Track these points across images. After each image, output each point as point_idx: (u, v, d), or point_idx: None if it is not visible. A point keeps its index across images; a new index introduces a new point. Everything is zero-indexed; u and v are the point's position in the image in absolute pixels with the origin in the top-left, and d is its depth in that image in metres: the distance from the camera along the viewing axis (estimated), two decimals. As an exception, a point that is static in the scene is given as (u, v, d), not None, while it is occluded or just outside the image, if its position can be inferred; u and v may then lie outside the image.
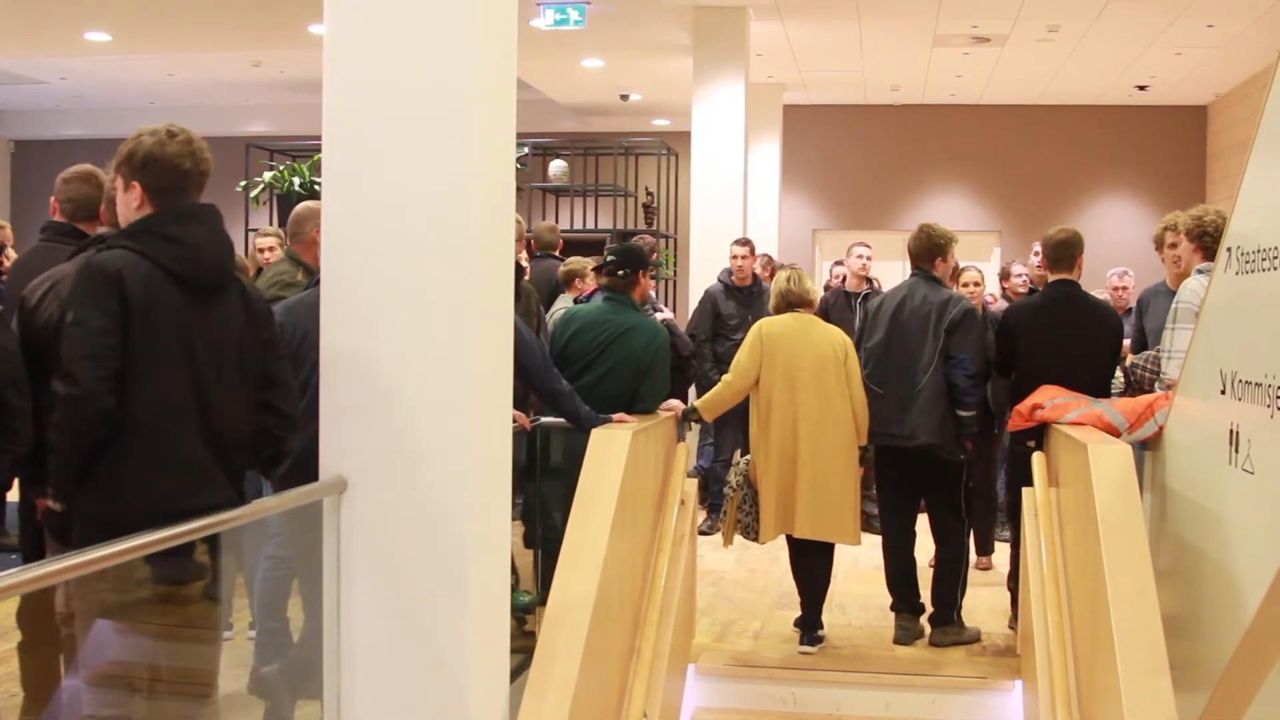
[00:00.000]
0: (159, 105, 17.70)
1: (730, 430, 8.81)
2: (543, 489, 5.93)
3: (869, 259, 9.39)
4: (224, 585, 3.68)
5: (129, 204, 3.52)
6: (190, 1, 11.12)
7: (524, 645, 4.71)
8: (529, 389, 5.55)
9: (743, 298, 9.06)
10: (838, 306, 9.05)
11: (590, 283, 7.82)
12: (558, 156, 14.09)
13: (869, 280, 9.50)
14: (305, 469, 3.69)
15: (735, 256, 9.07)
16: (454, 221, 3.56)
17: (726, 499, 6.19)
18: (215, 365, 3.49)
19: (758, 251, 9.61)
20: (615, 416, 5.41)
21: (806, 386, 6.07)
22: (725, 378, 6.30)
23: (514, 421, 4.41)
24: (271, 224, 10.48)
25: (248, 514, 3.35)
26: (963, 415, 6.19)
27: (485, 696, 3.76)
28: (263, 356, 3.63)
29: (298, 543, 3.87)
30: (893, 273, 11.70)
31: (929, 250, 6.45)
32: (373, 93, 3.60)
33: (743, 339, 8.69)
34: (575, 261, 8.34)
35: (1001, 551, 7.64)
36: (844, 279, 9.61)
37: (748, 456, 6.23)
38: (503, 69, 3.82)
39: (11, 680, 4.53)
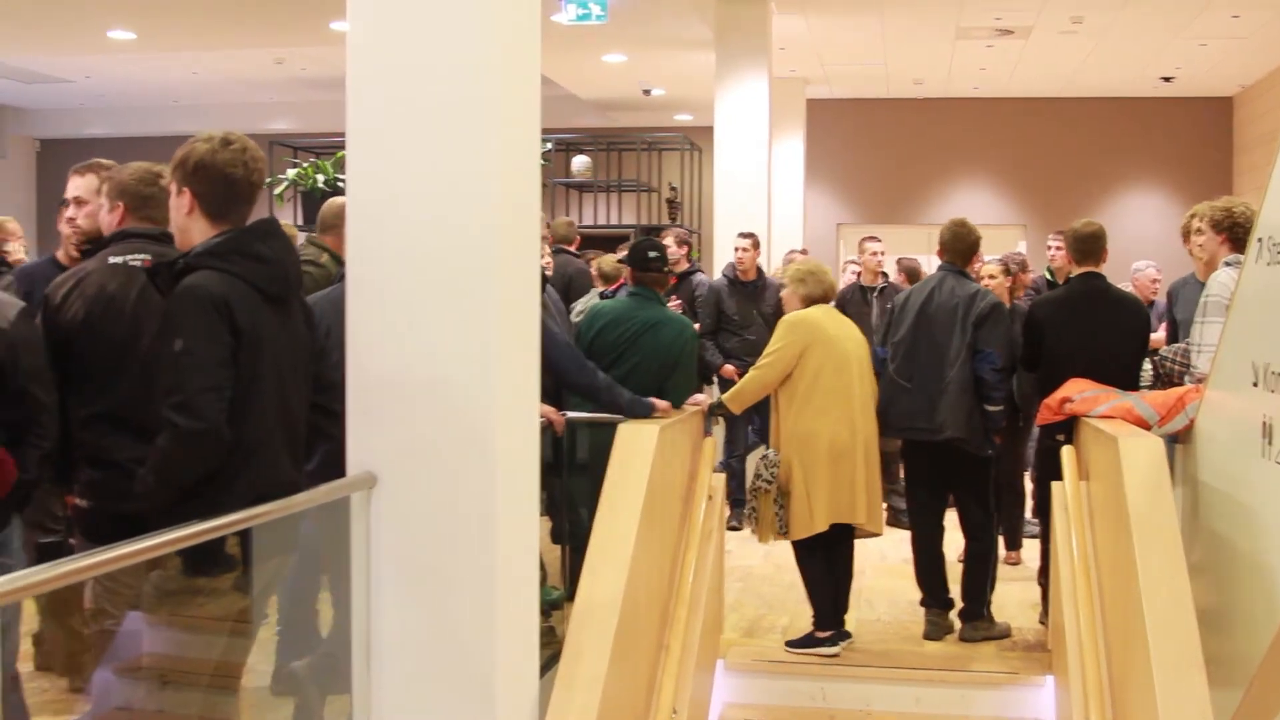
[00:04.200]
0: (182, 103, 17.77)
1: (743, 425, 8.80)
2: (569, 484, 5.92)
3: (882, 253, 9.40)
4: (256, 580, 3.67)
5: (180, 209, 3.53)
6: (213, 0, 11.14)
7: (551, 641, 4.70)
8: (563, 386, 5.51)
9: (747, 292, 9.02)
10: (854, 301, 9.05)
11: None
12: (581, 152, 14.10)
13: (884, 274, 9.50)
14: (333, 465, 3.69)
15: (739, 249, 9.04)
16: (479, 217, 3.54)
17: (758, 494, 6.07)
18: (295, 379, 3.54)
19: (790, 247, 9.62)
20: (655, 401, 5.35)
21: (853, 377, 6.04)
22: (756, 371, 6.19)
23: (544, 418, 4.40)
24: (296, 221, 10.48)
25: (279, 509, 3.34)
26: (990, 410, 6.15)
27: (514, 692, 3.75)
28: (317, 360, 3.67)
29: (326, 538, 3.86)
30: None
31: (969, 246, 6.43)
32: (395, 89, 3.58)
33: (750, 334, 8.77)
34: (608, 263, 8.38)
35: (1029, 547, 7.61)
36: (859, 274, 9.61)
37: (770, 450, 6.14)
38: (527, 64, 3.81)
39: (42, 675, 4.54)
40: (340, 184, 11.61)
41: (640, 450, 4.75)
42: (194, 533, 3.07)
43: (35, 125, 19.22)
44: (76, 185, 4.42)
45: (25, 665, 4.22)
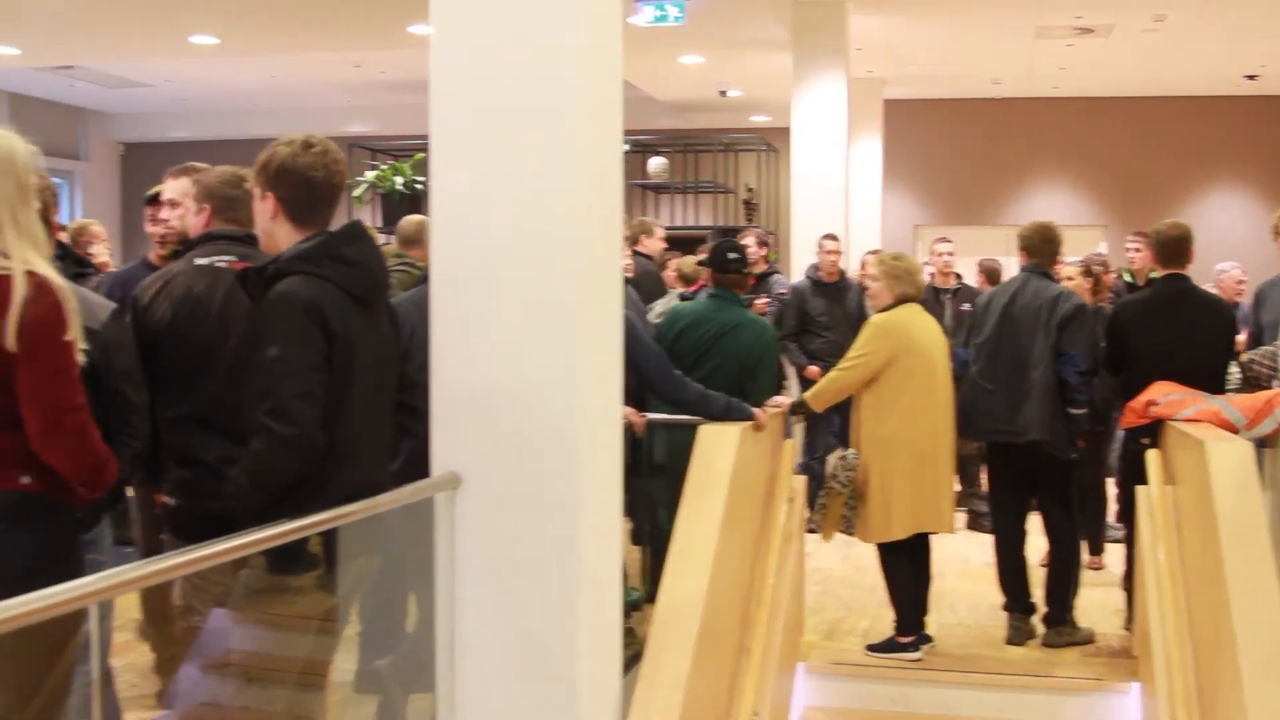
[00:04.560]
0: (262, 107, 17.98)
1: (824, 427, 8.77)
2: (648, 485, 5.91)
3: (950, 254, 9.35)
4: (343, 579, 3.70)
5: (264, 213, 3.57)
6: (294, 4, 11.25)
7: (631, 642, 4.70)
8: (656, 397, 5.47)
9: (830, 293, 9.01)
10: (927, 302, 9.00)
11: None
12: (657, 153, 14.10)
13: (956, 275, 9.46)
14: (417, 462, 3.72)
15: (827, 251, 9.04)
16: (562, 219, 3.55)
17: (830, 494, 6.02)
18: (384, 381, 3.58)
19: (862, 248, 9.59)
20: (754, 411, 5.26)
21: (937, 382, 5.99)
22: (839, 373, 6.11)
23: (624, 419, 4.40)
24: (375, 223, 10.58)
25: (365, 509, 3.36)
26: (1074, 412, 6.08)
27: (597, 692, 3.75)
28: (402, 361, 3.70)
29: (410, 537, 3.88)
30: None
31: (1053, 248, 6.38)
32: (478, 94, 3.60)
33: (833, 335, 8.73)
34: (688, 264, 8.38)
35: (1112, 551, 7.52)
36: (933, 275, 9.58)
37: (849, 451, 6.07)
38: (609, 68, 3.81)
39: (131, 670, 4.60)
40: (418, 186, 11.71)
41: (722, 452, 4.74)
42: (283, 532, 3.10)
43: (118, 129, 19.50)
44: (172, 187, 4.48)
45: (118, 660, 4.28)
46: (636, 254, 8.79)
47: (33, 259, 3.15)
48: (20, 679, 3.26)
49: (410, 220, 6.34)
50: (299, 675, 3.88)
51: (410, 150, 12.21)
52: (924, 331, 6.05)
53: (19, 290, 3.08)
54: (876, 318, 6.13)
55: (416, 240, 5.86)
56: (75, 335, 3.18)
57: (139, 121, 19.29)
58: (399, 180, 11.29)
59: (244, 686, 3.94)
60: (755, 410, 5.24)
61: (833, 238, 9.16)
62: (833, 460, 6.15)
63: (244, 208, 4.14)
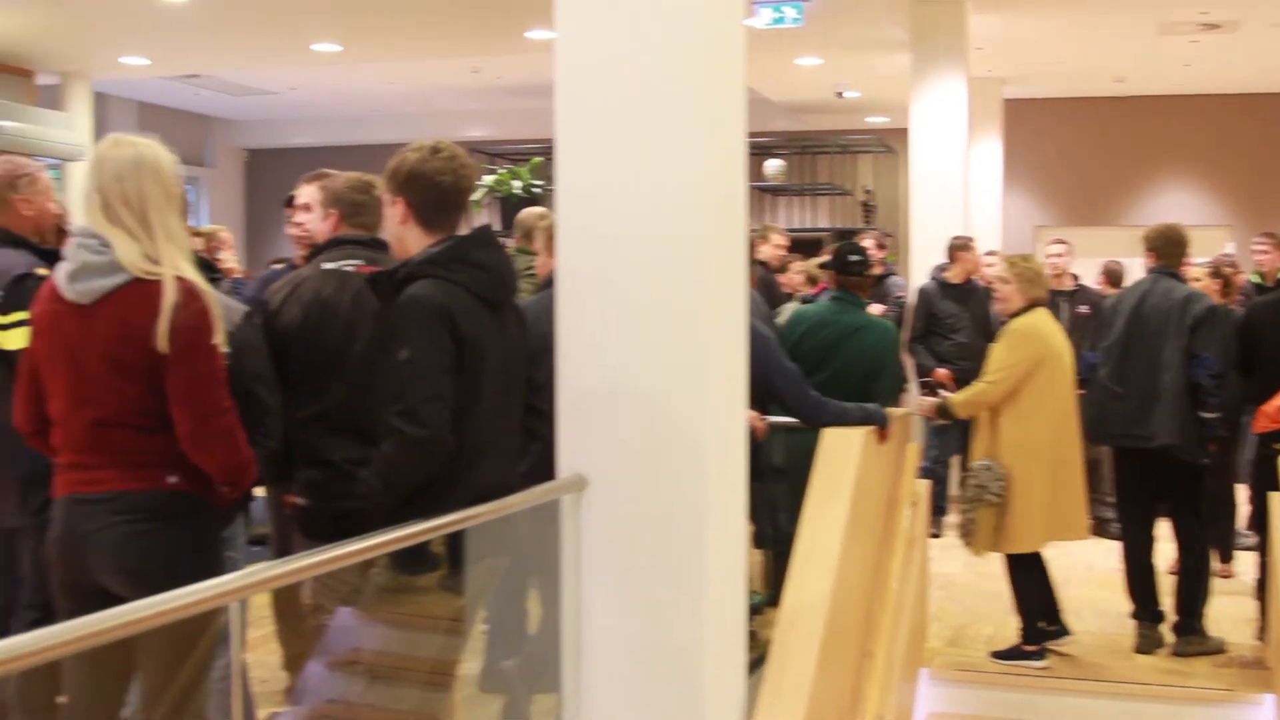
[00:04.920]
0: (382, 113, 18.20)
1: (955, 432, 8.67)
2: (769, 488, 5.89)
3: (1061, 255, 9.23)
4: (471, 580, 3.74)
5: (394, 218, 3.62)
6: (414, 11, 11.38)
7: (753, 645, 4.68)
8: (783, 408, 5.38)
9: (958, 295, 8.92)
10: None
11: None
12: (774, 155, 14.05)
13: (1074, 276, 9.34)
14: (543, 464, 3.74)
15: (961, 252, 8.98)
16: (688, 223, 3.55)
17: (979, 505, 5.89)
18: (512, 384, 3.61)
19: (981, 249, 9.50)
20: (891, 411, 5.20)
21: (1069, 387, 5.90)
22: (987, 385, 5.97)
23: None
24: (494, 226, 10.67)
25: (492, 510, 3.39)
26: (1206, 416, 5.95)
27: (721, 695, 3.74)
28: (529, 363, 3.73)
29: (535, 538, 3.91)
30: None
31: (1181, 248, 6.26)
32: (603, 98, 3.61)
33: (961, 337, 8.65)
34: (813, 267, 8.36)
35: (1242, 559, 7.35)
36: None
37: (987, 460, 5.95)
38: (732, 70, 3.80)
39: (261, 667, 4.69)
40: (536, 190, 11.79)
41: (846, 455, 4.71)
42: (415, 533, 3.14)
43: (243, 136, 19.87)
44: (304, 192, 4.57)
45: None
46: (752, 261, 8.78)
47: (181, 264, 3.25)
48: (163, 671, 3.35)
49: (529, 212, 6.36)
50: (425, 674, 3.93)
51: (528, 154, 12.31)
52: (1056, 335, 5.97)
53: (169, 295, 3.17)
54: (1018, 325, 6.02)
55: (533, 231, 5.87)
56: (221, 339, 3.26)
57: (263, 128, 19.65)
58: (517, 184, 11.39)
59: (369, 684, 3.99)
60: (894, 411, 5.20)
61: (968, 239, 9.14)
62: (978, 470, 5.96)
63: (371, 213, 4.21)
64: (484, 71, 15.01)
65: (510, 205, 11.17)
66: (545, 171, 13.85)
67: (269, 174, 19.78)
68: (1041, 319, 5.96)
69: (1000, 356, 5.98)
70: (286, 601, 4.44)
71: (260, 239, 19.35)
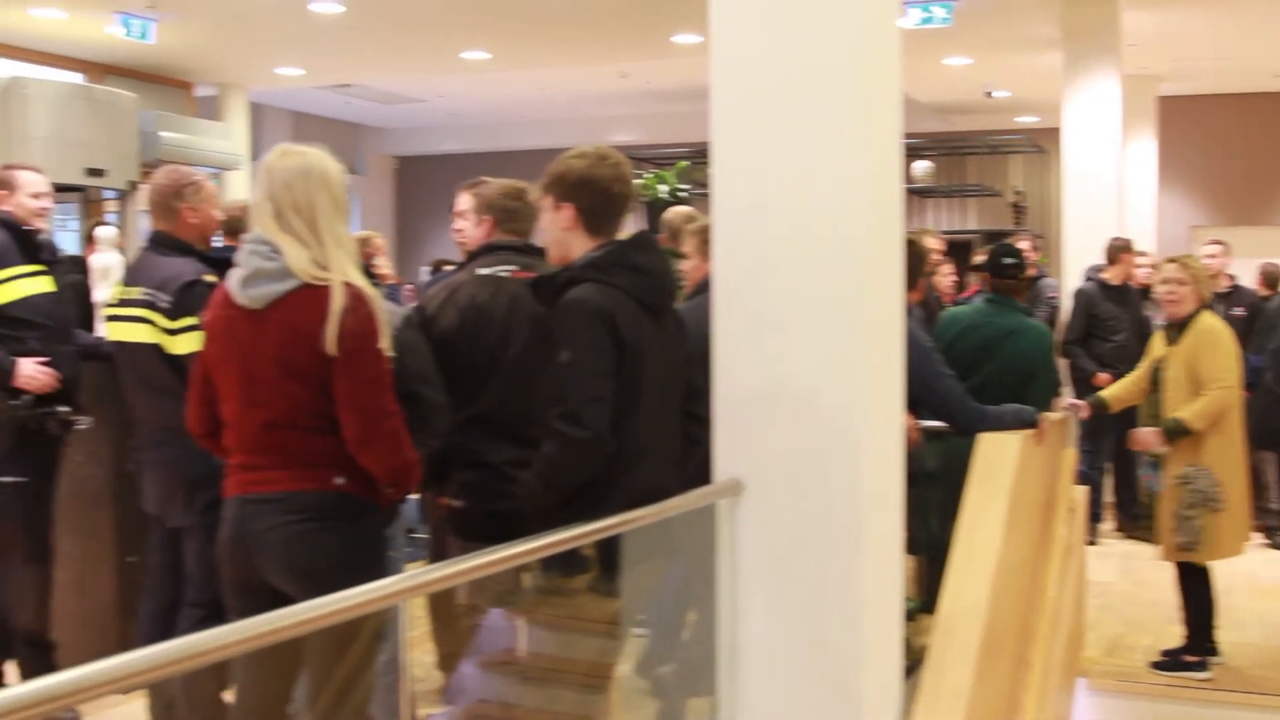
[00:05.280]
0: (529, 119, 18.40)
1: (1110, 437, 8.52)
2: (922, 493, 5.83)
3: (1216, 255, 9.04)
4: (630, 583, 3.76)
5: (559, 223, 3.64)
6: (563, 18, 11.49)
7: (905, 652, 4.64)
8: (937, 414, 5.31)
9: (1118, 297, 8.77)
10: None
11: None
12: (921, 157, 13.91)
13: (1230, 276, 9.12)
14: (700, 470, 3.75)
15: (1125, 255, 8.86)
16: (844, 225, 3.53)
17: (1204, 511, 5.70)
18: (671, 387, 3.63)
19: (1138, 249, 9.33)
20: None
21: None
22: (1223, 391, 5.76)
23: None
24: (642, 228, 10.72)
25: (650, 514, 3.41)
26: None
27: (878, 701, 3.72)
28: (687, 367, 3.74)
29: (690, 542, 3.92)
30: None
31: None
32: (757, 100, 3.60)
33: (1121, 339, 8.47)
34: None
35: None
36: None
37: (1197, 467, 5.77)
38: (887, 71, 3.78)
39: (415, 666, 4.76)
40: (681, 194, 11.80)
41: (1002, 461, 4.65)
42: (576, 535, 3.17)
43: (393, 144, 20.22)
44: (463, 200, 4.65)
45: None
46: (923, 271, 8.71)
47: (349, 270, 3.33)
48: (330, 668, 3.42)
49: (676, 213, 6.36)
50: (577, 676, 3.95)
51: (674, 158, 12.33)
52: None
53: (337, 300, 3.25)
54: (1212, 326, 5.89)
55: (681, 233, 5.87)
56: (386, 343, 3.33)
57: (412, 136, 19.97)
58: (663, 188, 11.39)
59: (522, 685, 4.03)
60: (1048, 416, 5.12)
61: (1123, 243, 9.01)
62: (1193, 476, 5.75)
63: (523, 219, 4.26)
64: (631, 76, 15.09)
65: (656, 209, 11.17)
66: (691, 176, 13.87)
67: (418, 181, 20.12)
68: (1220, 320, 5.84)
69: (1221, 361, 5.82)
70: (441, 601, 4.51)
71: (410, 245, 19.68)
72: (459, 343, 4.05)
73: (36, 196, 5.24)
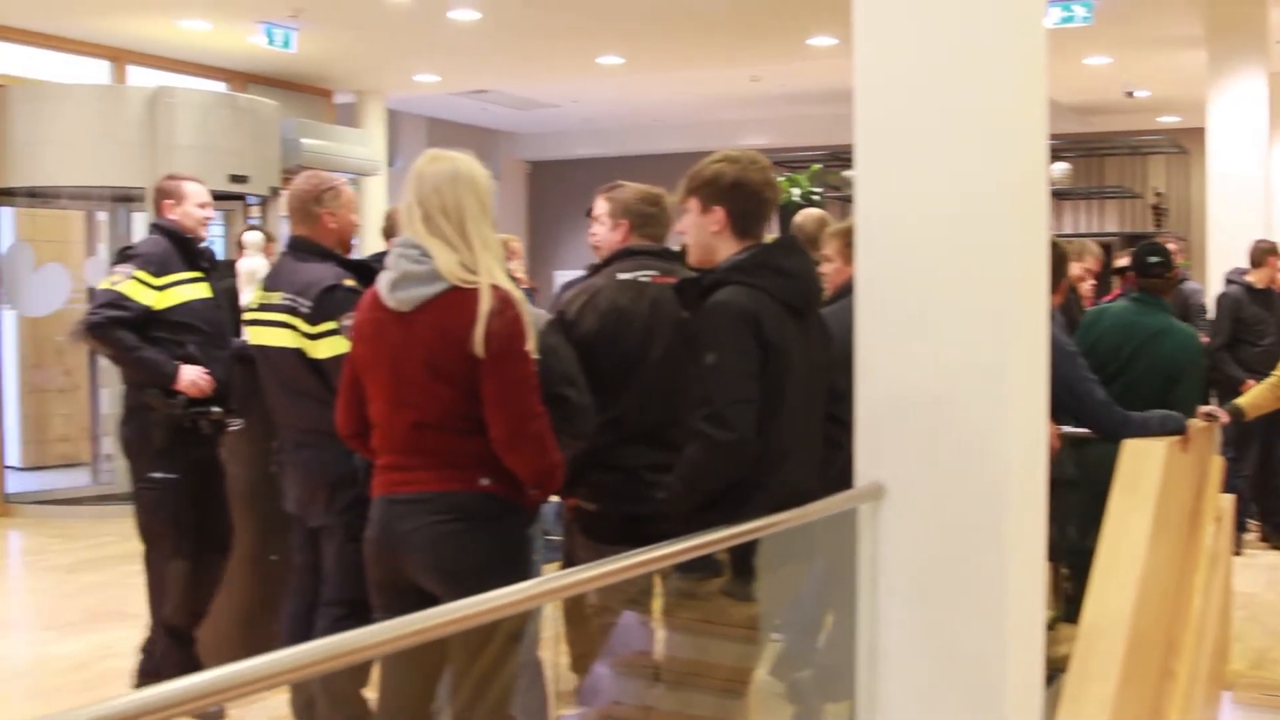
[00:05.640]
0: (661, 123, 18.46)
1: (1255, 445, 8.32)
2: (1061, 500, 5.74)
3: None
4: (767, 587, 3.76)
5: (706, 227, 3.66)
6: (697, 22, 11.51)
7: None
8: (1079, 420, 5.23)
9: (1265, 300, 8.59)
10: None
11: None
12: (1059, 158, 13.70)
13: None
14: (842, 474, 3.73)
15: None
16: (989, 227, 3.49)
17: None
18: (815, 391, 3.63)
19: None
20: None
21: None
22: None
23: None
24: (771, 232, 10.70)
25: (790, 519, 3.40)
26: None
27: (1020, 710, 3.67)
28: (831, 371, 3.74)
29: (829, 547, 3.91)
30: None
31: None
32: (902, 103, 3.58)
33: (1269, 343, 8.28)
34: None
35: None
36: None
37: None
38: (1034, 72, 3.73)
39: (548, 667, 4.80)
40: (814, 197, 11.75)
41: (1148, 468, 4.57)
42: (718, 539, 3.16)
43: (526, 149, 20.41)
44: (600, 204, 4.69)
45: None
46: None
47: (496, 273, 3.38)
48: (473, 668, 3.47)
49: (808, 215, 6.31)
50: (715, 680, 3.96)
51: (807, 161, 12.29)
52: None
53: (485, 302, 3.30)
54: None
55: (819, 237, 5.84)
56: (532, 346, 3.38)
57: (545, 141, 20.14)
58: (796, 192, 11.37)
59: (655, 687, 4.04)
60: (1193, 423, 5.00)
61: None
62: None
63: (660, 224, 4.29)
64: (763, 80, 15.06)
65: (789, 213, 11.13)
66: (824, 179, 13.82)
67: (550, 186, 20.28)
68: None
69: None
70: (573, 603, 4.54)
71: (541, 250, 19.85)
72: (598, 346, 4.08)
73: (201, 206, 5.53)
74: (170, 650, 5.35)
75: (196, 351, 5.32)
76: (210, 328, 5.44)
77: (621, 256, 4.26)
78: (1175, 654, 4.86)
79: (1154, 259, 5.70)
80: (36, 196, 11.39)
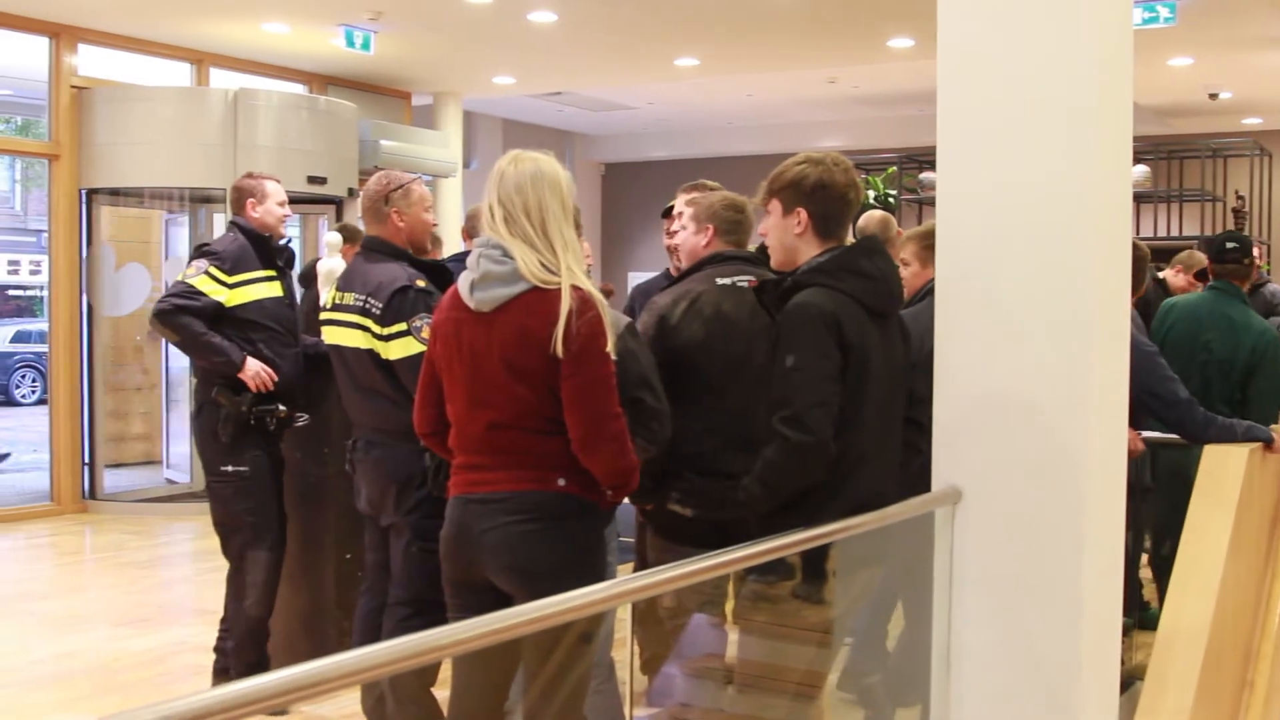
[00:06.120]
0: (736, 125, 18.45)
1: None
2: (1138, 507, 5.69)
3: None
4: (842, 590, 3.75)
5: (789, 229, 3.65)
6: (774, 24, 11.49)
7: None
8: (1162, 424, 5.15)
9: None
10: None
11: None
12: (1139, 161, 13.55)
13: None
14: (920, 478, 3.72)
15: None
16: (1072, 230, 3.47)
17: None
18: (894, 394, 3.63)
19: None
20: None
21: None
22: None
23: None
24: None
25: (870, 521, 3.40)
26: None
27: (1095, 716, 3.65)
28: (911, 373, 3.73)
29: (906, 551, 3.90)
30: None
31: None
32: (988, 101, 3.56)
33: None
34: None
35: None
36: None
37: None
38: (1120, 73, 3.70)
39: (620, 668, 4.82)
40: (890, 199, 11.72)
41: (1229, 474, 4.52)
42: (795, 541, 3.17)
43: (601, 150, 20.47)
44: (681, 202, 4.69)
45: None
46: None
47: (577, 274, 3.39)
48: (548, 667, 3.49)
49: (870, 217, 6.25)
50: (787, 683, 3.95)
51: (883, 164, 12.27)
52: None
53: (565, 303, 3.31)
54: None
55: (890, 241, 5.82)
56: (612, 347, 3.38)
57: (619, 142, 20.19)
58: (872, 194, 11.34)
59: (725, 690, 4.05)
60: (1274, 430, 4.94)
61: None
62: None
63: (744, 231, 4.30)
64: (840, 82, 15.01)
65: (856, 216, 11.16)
66: (900, 181, 13.75)
67: (623, 187, 20.33)
68: None
69: None
70: (644, 604, 4.55)
71: (615, 252, 19.90)
72: (703, 352, 4.08)
73: (282, 205, 5.66)
74: (244, 645, 5.43)
75: (265, 348, 5.48)
76: (280, 326, 5.58)
77: (715, 261, 4.26)
78: (1254, 664, 4.80)
79: (1230, 245, 5.62)
80: (118, 196, 11.59)
